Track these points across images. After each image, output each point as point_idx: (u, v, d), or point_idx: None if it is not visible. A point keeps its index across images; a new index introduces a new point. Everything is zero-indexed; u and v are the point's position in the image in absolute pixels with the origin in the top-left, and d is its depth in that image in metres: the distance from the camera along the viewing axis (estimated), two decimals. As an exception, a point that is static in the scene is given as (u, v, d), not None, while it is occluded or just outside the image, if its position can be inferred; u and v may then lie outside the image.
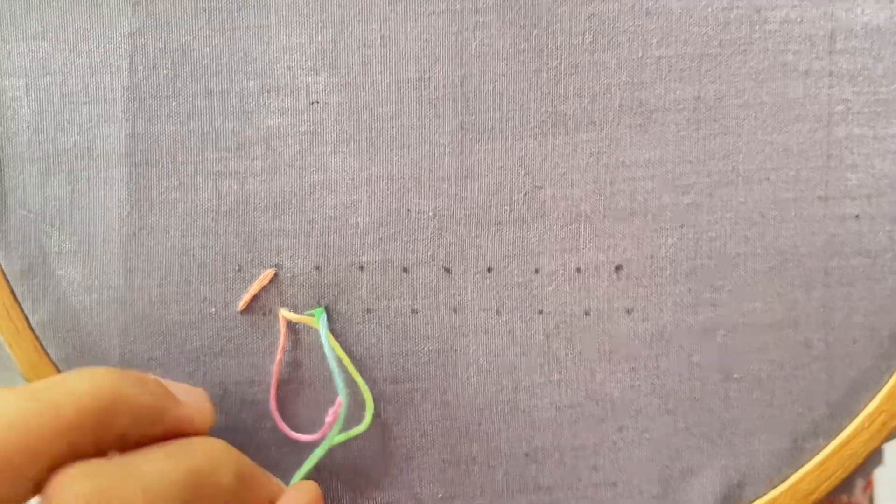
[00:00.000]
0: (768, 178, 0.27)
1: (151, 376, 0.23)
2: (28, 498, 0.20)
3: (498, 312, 0.28)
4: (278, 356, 0.27)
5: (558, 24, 0.27)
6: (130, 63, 0.27)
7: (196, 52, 0.27)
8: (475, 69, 0.27)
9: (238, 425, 0.28)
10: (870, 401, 0.28)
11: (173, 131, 0.27)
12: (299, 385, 0.28)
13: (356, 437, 0.27)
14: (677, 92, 0.27)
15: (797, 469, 0.28)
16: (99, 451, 0.21)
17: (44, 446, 0.20)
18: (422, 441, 0.28)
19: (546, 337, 0.28)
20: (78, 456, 0.20)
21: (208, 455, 0.23)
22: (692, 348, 0.28)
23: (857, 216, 0.27)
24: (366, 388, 0.27)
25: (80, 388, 0.21)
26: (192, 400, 0.24)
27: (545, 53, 0.27)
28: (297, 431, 0.27)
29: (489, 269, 0.28)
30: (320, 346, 0.27)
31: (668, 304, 0.28)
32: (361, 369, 0.28)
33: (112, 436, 0.21)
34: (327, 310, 0.28)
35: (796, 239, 0.27)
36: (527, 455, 0.28)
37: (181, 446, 0.23)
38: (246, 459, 0.24)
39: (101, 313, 0.28)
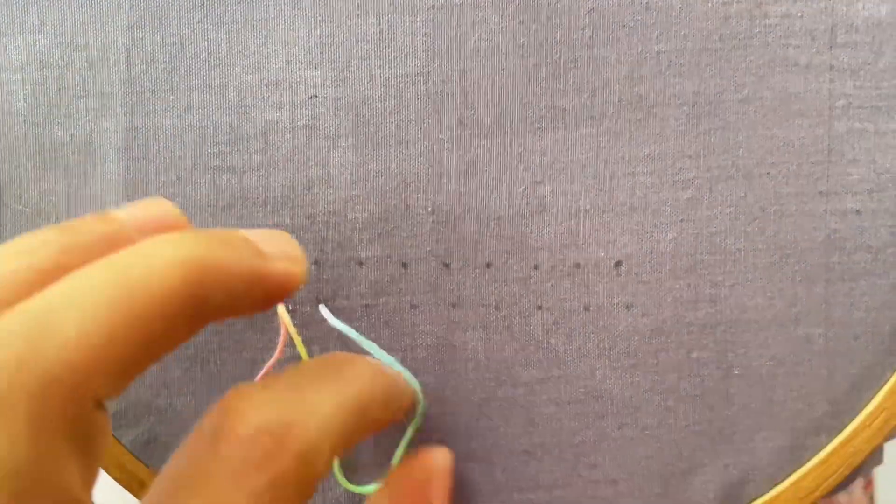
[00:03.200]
0: (768, 173, 0.27)
1: (235, 231, 0.20)
2: (94, 412, 0.16)
3: (497, 308, 0.27)
4: (278, 351, 0.27)
5: (558, 19, 0.27)
6: (128, 57, 0.27)
7: (194, 46, 0.27)
8: (474, 64, 0.27)
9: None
10: (871, 398, 0.27)
11: (171, 125, 0.27)
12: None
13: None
14: (677, 87, 0.27)
15: (799, 466, 0.28)
16: (184, 336, 0.18)
17: (129, 345, 0.16)
18: (419, 437, 0.28)
19: (545, 332, 0.27)
20: (165, 348, 0.17)
21: (365, 383, 0.20)
22: (692, 344, 0.27)
23: (858, 211, 0.27)
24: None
25: (163, 261, 0.17)
26: (279, 250, 0.20)
27: (544, 48, 0.27)
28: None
29: (488, 265, 0.27)
30: (321, 341, 0.27)
31: (668, 299, 0.27)
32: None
33: (201, 317, 0.18)
34: (326, 305, 0.27)
35: (797, 234, 0.27)
36: (526, 452, 0.28)
37: (339, 373, 0.20)
38: (386, 378, 0.22)
39: (97, 309, 0.27)
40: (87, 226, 0.19)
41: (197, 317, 0.17)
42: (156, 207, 0.20)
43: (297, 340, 0.27)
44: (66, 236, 0.18)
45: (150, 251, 0.17)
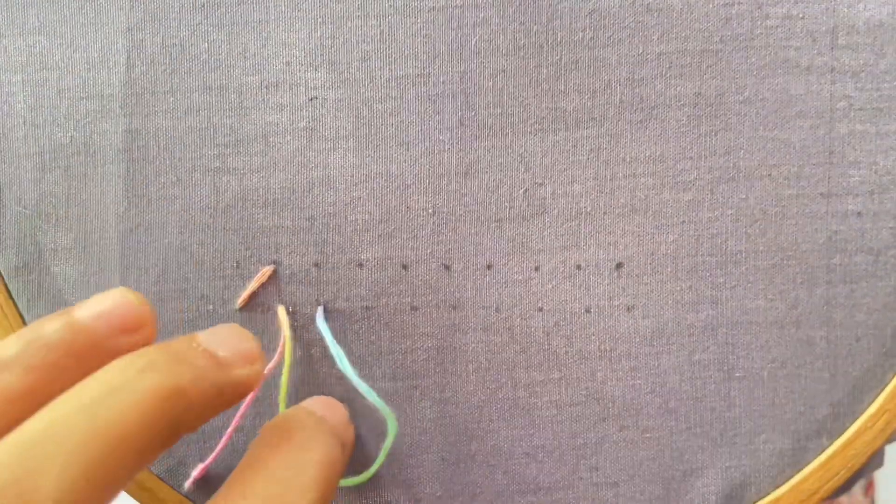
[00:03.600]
0: (770, 175, 0.27)
1: (193, 342, 0.20)
2: None
3: (497, 310, 0.27)
4: (280, 350, 0.27)
5: (558, 20, 0.27)
6: (128, 58, 0.27)
7: (194, 48, 0.27)
8: (475, 65, 0.27)
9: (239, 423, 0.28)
10: (873, 400, 0.27)
11: (171, 127, 0.27)
12: (298, 383, 0.27)
13: (357, 436, 0.27)
14: (678, 88, 0.27)
15: (800, 469, 0.28)
16: (155, 457, 0.19)
17: (106, 484, 0.16)
18: (420, 439, 0.28)
19: (546, 334, 0.27)
20: (137, 471, 0.18)
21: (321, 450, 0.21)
22: (693, 346, 0.27)
23: (859, 213, 0.27)
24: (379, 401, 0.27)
25: (134, 398, 0.17)
26: (236, 351, 0.21)
27: (545, 49, 0.27)
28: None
29: (489, 267, 0.27)
30: (321, 343, 0.27)
31: (669, 301, 0.27)
32: (360, 366, 0.27)
33: (172, 438, 0.18)
34: (325, 307, 0.27)
35: (798, 236, 0.27)
36: (527, 454, 0.28)
37: (296, 473, 0.21)
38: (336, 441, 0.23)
39: (97, 310, 0.27)
40: (52, 338, 0.19)
41: (168, 439, 0.18)
42: (119, 300, 0.20)
43: (288, 346, 0.27)
44: (31, 354, 0.18)
45: (120, 384, 0.18)
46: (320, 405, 0.25)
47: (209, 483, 0.28)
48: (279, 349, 0.27)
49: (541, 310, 0.27)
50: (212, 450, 0.27)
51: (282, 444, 0.21)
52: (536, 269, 0.27)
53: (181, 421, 0.18)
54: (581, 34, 0.27)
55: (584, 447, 0.28)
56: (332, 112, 0.27)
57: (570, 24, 0.27)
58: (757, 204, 0.27)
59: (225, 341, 0.21)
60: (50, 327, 0.19)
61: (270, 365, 0.27)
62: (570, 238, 0.27)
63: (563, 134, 0.27)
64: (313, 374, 0.27)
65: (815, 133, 0.27)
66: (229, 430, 0.27)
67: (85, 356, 0.19)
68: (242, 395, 0.21)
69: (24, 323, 0.27)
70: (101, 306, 0.20)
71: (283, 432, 0.22)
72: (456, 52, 0.27)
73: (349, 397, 0.27)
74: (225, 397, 0.20)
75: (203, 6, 0.27)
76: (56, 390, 0.18)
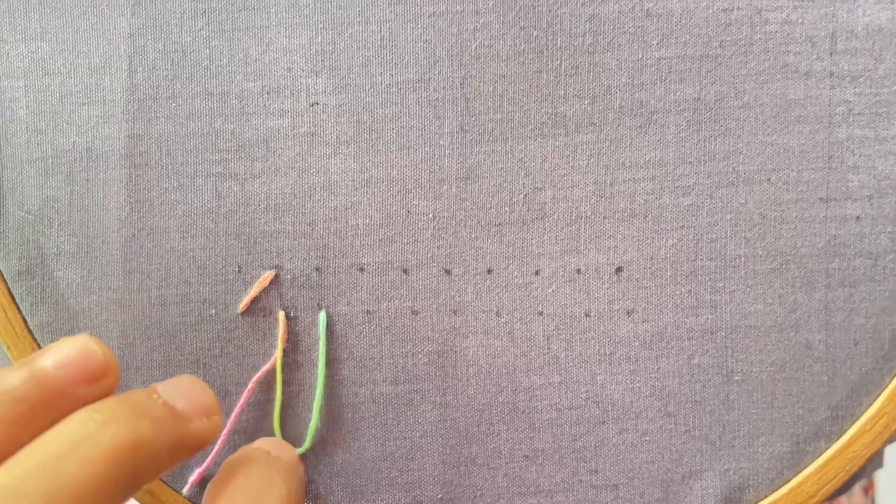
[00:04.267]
0: (769, 180, 0.27)
1: (153, 394, 0.21)
2: None
3: (498, 314, 0.28)
4: (276, 355, 0.27)
5: (559, 26, 0.27)
6: (130, 64, 0.27)
7: (196, 54, 0.27)
8: (475, 70, 0.27)
9: (239, 426, 0.28)
10: (871, 403, 0.28)
11: (173, 132, 0.27)
12: (299, 387, 0.28)
13: (355, 439, 0.27)
14: (678, 93, 0.27)
15: (798, 471, 0.28)
16: None
17: None
18: (421, 442, 0.28)
19: (546, 338, 0.28)
20: None
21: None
22: (693, 350, 0.28)
23: (858, 218, 0.27)
24: (317, 412, 0.27)
25: (95, 452, 0.18)
26: (195, 404, 0.21)
27: (545, 55, 0.27)
28: (295, 433, 0.27)
29: (489, 271, 0.28)
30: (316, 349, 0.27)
31: (669, 305, 0.28)
32: (361, 370, 0.28)
33: (133, 489, 0.19)
34: (328, 311, 0.27)
35: (797, 240, 0.27)
36: (527, 457, 0.28)
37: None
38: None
39: (100, 315, 0.28)
40: (17, 392, 0.19)
41: (129, 490, 0.19)
42: (82, 350, 0.20)
43: (279, 353, 0.27)
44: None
45: (82, 437, 0.18)
46: (271, 445, 0.26)
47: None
48: (274, 356, 0.27)
49: (541, 314, 0.28)
50: (208, 454, 0.28)
51: (246, 480, 0.23)
52: (536, 273, 0.28)
53: (142, 472, 0.19)
54: (581, 39, 0.27)
55: (583, 450, 0.28)
56: (333, 117, 0.27)
57: (570, 29, 0.27)
58: (756, 208, 0.27)
59: (184, 393, 0.21)
60: (14, 379, 0.19)
61: (265, 368, 0.27)
62: (570, 242, 0.27)
63: (563, 139, 0.27)
64: (314, 379, 0.28)
65: (814, 138, 0.27)
66: (224, 433, 0.27)
67: (49, 406, 0.19)
68: (201, 447, 0.21)
69: (27, 327, 0.28)
70: (63, 355, 0.20)
71: (243, 469, 0.23)
72: (456, 57, 0.27)
73: (356, 402, 0.28)
74: (184, 449, 0.21)
75: (204, 12, 0.27)
76: (20, 441, 0.18)
